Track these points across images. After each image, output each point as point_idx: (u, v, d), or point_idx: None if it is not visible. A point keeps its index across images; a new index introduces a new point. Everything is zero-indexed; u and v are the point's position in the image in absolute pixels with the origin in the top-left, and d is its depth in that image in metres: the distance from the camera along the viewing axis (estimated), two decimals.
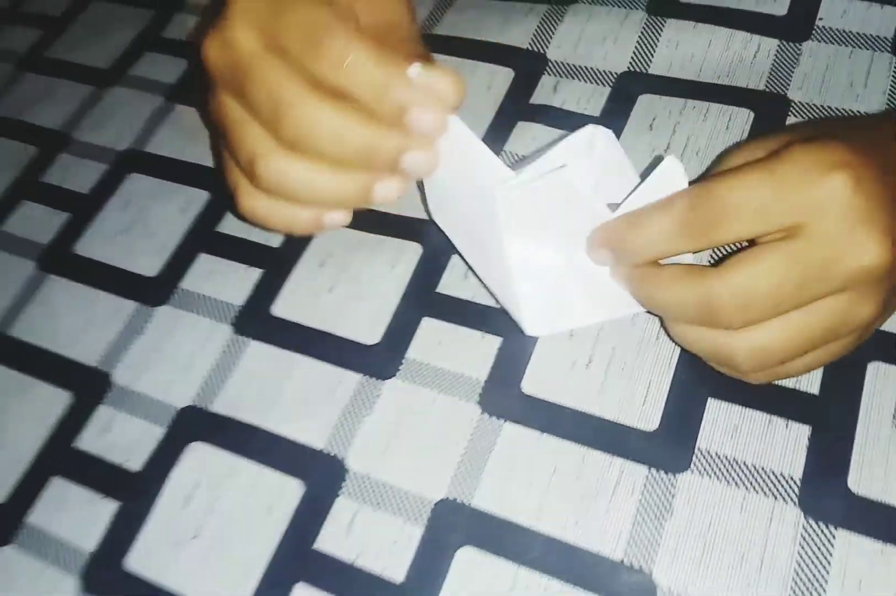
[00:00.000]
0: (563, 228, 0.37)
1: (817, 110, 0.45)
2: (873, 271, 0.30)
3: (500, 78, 0.49)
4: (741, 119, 0.45)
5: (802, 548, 0.34)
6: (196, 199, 0.49)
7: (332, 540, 0.37)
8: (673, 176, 0.33)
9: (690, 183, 0.33)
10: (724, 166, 0.34)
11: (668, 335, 0.36)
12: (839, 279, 0.30)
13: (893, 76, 0.45)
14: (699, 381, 0.36)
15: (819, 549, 0.34)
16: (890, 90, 0.44)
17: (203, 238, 0.47)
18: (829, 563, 0.33)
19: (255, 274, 0.45)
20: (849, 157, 0.30)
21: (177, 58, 0.57)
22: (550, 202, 0.35)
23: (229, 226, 0.48)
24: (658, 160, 0.34)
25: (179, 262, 0.47)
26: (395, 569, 0.36)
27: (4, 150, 0.55)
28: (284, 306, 0.44)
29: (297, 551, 0.37)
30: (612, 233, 0.34)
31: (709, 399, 0.37)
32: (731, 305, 0.30)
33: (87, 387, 0.44)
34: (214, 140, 0.41)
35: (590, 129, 0.36)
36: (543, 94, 0.48)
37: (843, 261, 0.29)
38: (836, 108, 0.44)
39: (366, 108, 0.34)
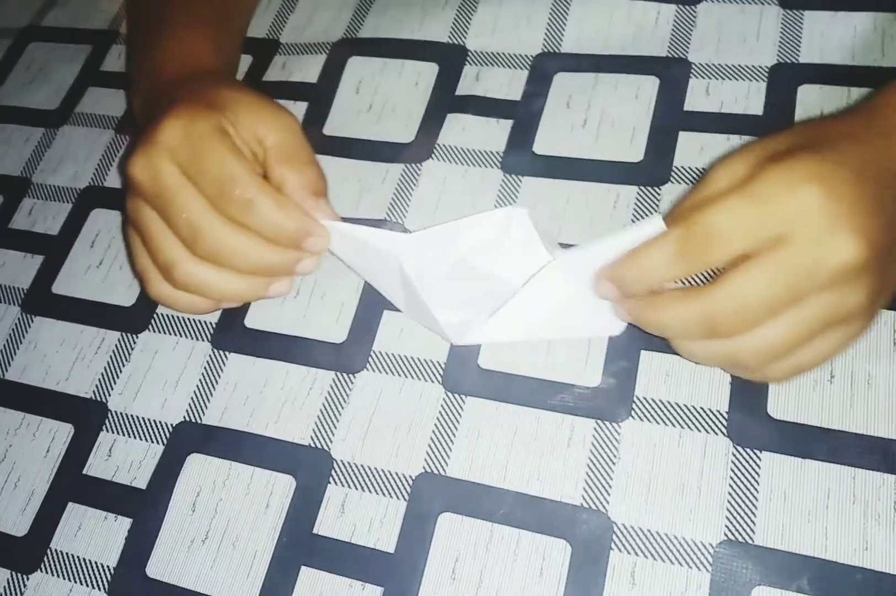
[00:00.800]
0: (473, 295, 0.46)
1: (715, 69, 0.50)
2: (853, 265, 0.34)
3: (426, 73, 0.56)
4: (649, 86, 0.51)
5: (733, 472, 0.40)
6: None
7: (328, 524, 0.43)
8: (652, 230, 0.38)
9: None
10: (709, 184, 0.38)
11: (680, 354, 0.40)
12: (824, 277, 0.34)
13: (782, 27, 0.51)
14: (632, 337, 0.42)
15: (748, 471, 0.40)
16: (780, 41, 0.50)
17: None
18: (757, 482, 0.40)
19: None
20: (817, 167, 0.35)
21: (119, 90, 0.63)
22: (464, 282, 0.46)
23: None
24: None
25: None
26: (387, 541, 0.42)
27: None
28: (256, 318, 0.50)
29: (297, 538, 0.43)
30: (616, 269, 0.39)
31: (642, 351, 0.44)
32: (730, 315, 0.35)
33: (86, 417, 0.50)
34: (125, 226, 0.50)
35: (506, 212, 0.45)
36: (467, 84, 0.54)
37: (826, 261, 0.34)
38: (733, 65, 0.50)
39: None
